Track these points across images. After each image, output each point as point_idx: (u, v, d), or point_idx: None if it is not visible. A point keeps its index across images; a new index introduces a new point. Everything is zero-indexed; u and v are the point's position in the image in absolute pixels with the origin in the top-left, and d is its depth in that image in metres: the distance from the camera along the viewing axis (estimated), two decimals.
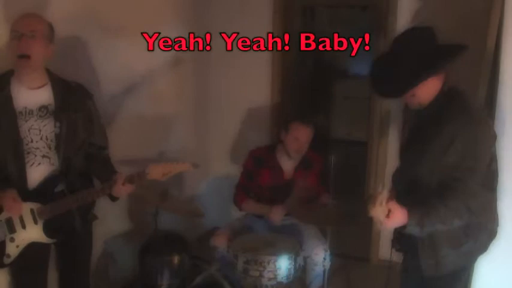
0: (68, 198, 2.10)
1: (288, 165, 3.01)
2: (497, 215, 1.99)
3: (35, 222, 2.07)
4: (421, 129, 1.95)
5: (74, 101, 2.13)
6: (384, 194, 1.76)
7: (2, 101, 1.99)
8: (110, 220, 3.06)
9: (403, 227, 1.77)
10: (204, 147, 3.94)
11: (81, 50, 2.69)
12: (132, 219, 3.27)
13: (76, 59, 2.67)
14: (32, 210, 2.05)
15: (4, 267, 2.09)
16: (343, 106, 7.07)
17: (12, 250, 2.06)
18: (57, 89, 2.09)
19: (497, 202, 1.98)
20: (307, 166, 3.01)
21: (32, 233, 2.07)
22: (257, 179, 3.00)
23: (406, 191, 1.95)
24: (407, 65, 1.84)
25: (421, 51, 1.84)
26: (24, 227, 2.05)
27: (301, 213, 2.66)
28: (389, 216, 1.75)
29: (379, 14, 3.54)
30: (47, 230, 2.09)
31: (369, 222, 3.62)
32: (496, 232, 2.00)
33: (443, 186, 1.79)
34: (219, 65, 3.86)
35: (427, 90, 1.87)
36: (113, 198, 2.22)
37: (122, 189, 2.12)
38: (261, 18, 3.70)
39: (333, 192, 2.60)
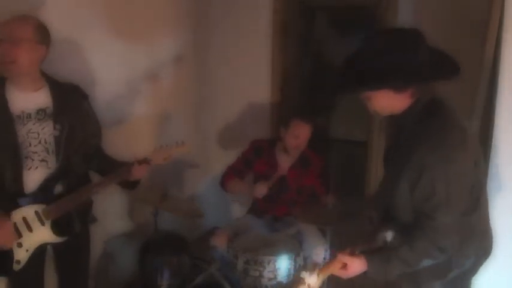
0: (76, 192, 2.09)
1: (284, 161, 3.01)
2: (490, 233, 1.85)
3: (42, 223, 2.04)
4: (398, 146, 1.78)
5: (71, 102, 2.12)
6: (306, 272, 1.65)
7: None
8: (110, 220, 3.06)
9: (365, 273, 1.68)
10: (204, 147, 3.94)
11: (81, 51, 2.69)
12: (132, 219, 3.28)
13: (76, 60, 2.67)
14: (36, 213, 2.02)
15: (14, 274, 2.04)
16: (343, 106, 7.07)
17: (22, 255, 2.02)
18: (54, 91, 2.06)
19: (490, 219, 1.85)
20: (305, 165, 3.01)
21: (40, 235, 2.05)
22: (253, 166, 3.02)
23: (386, 211, 1.84)
24: (365, 65, 1.62)
25: (383, 58, 1.59)
26: (31, 230, 2.02)
27: (301, 213, 2.66)
28: (346, 268, 1.67)
29: (379, 14, 3.54)
30: (56, 229, 2.07)
31: (369, 222, 3.63)
32: (488, 252, 1.85)
33: (414, 222, 1.65)
34: (219, 65, 3.86)
35: (383, 101, 1.67)
36: (131, 185, 2.24)
37: (141, 169, 2.19)
38: (261, 18, 3.70)
39: (333, 192, 2.61)
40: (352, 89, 1.70)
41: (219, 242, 2.80)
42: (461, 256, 1.75)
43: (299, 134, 2.90)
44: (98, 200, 2.89)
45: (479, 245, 1.81)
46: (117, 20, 2.90)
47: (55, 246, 2.18)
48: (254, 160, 3.03)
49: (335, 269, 1.71)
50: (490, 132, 2.28)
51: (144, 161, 2.21)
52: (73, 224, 2.16)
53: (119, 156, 2.35)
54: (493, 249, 1.86)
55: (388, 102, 1.68)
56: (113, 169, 2.20)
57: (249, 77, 3.83)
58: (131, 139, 3.06)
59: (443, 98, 1.71)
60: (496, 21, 2.33)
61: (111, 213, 3.06)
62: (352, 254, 1.72)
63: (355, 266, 1.67)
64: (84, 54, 2.70)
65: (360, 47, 1.67)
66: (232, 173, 3.04)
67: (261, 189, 2.85)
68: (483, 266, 1.86)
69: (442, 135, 1.60)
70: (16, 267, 2.02)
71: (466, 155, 1.63)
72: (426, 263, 1.66)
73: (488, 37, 2.36)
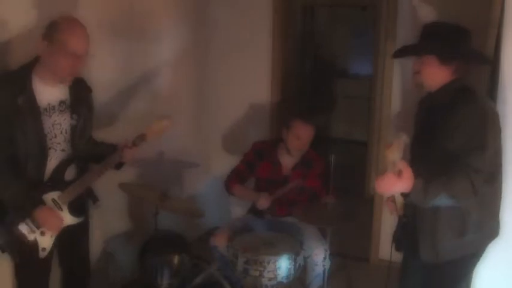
0: (85, 177, 2.21)
1: (287, 162, 3.01)
2: (498, 217, 1.99)
3: (61, 209, 2.14)
4: (430, 122, 1.98)
5: (83, 94, 2.24)
6: (403, 139, 1.71)
7: (25, 98, 2.00)
8: (110, 220, 3.06)
9: (407, 195, 1.75)
10: (204, 147, 3.94)
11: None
12: (132, 219, 3.28)
13: None
14: (54, 200, 2.12)
15: (41, 262, 2.13)
16: (343, 106, 7.08)
17: (47, 242, 2.12)
18: (70, 84, 2.15)
19: (499, 201, 1.97)
20: (307, 166, 3.01)
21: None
22: (255, 170, 3.02)
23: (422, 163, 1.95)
24: (425, 39, 1.96)
25: (443, 36, 1.92)
26: (58, 214, 2.13)
27: (301, 213, 2.66)
28: (399, 176, 1.69)
29: (379, 14, 3.54)
30: (72, 210, 2.18)
31: (369, 222, 3.64)
32: (497, 230, 1.99)
33: (451, 165, 1.79)
34: (219, 65, 3.86)
35: (431, 73, 1.93)
36: (119, 166, 2.33)
37: (131, 152, 2.27)
38: (261, 18, 3.70)
39: (333, 192, 2.61)
40: (408, 52, 2.07)
41: (219, 242, 2.80)
42: (479, 219, 1.89)
43: (301, 136, 2.89)
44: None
45: (493, 220, 1.96)
46: (117, 19, 2.90)
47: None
48: (256, 164, 3.03)
49: (393, 169, 1.72)
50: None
51: (134, 144, 2.28)
52: (84, 204, 2.32)
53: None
54: (498, 234, 1.99)
55: (436, 75, 1.94)
56: (107, 152, 2.29)
57: (249, 77, 3.82)
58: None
59: (473, 87, 1.94)
60: (496, 21, 2.33)
61: (111, 213, 3.06)
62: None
63: (408, 175, 1.70)
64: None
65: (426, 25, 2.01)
66: (236, 177, 3.03)
67: (264, 203, 2.85)
68: (488, 248, 1.98)
69: (476, 103, 1.87)
70: (43, 254, 2.12)
71: (497, 118, 1.88)
72: (460, 197, 1.75)
73: (488, 37, 2.37)
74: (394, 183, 1.70)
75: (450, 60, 1.91)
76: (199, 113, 3.88)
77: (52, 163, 2.12)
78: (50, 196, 2.12)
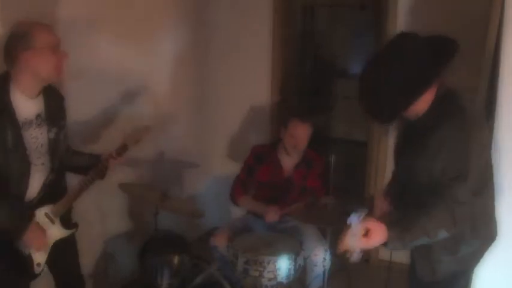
0: (75, 189, 2.19)
1: (287, 162, 3.01)
2: (495, 221, 1.93)
3: (53, 222, 2.14)
4: (414, 134, 1.85)
5: (56, 104, 2.16)
6: (354, 225, 1.65)
7: (5, 112, 1.93)
8: (110, 220, 3.07)
9: (384, 245, 1.68)
10: (204, 147, 3.94)
11: (81, 51, 2.69)
12: (132, 219, 3.28)
13: (76, 60, 2.66)
14: (46, 214, 2.11)
15: (36, 277, 2.13)
16: (343, 106, 7.07)
17: (41, 257, 2.11)
18: (45, 95, 2.08)
19: (496, 207, 1.92)
20: (307, 166, 3.01)
21: (53, 233, 2.15)
22: (256, 175, 3.02)
23: (401, 195, 1.92)
24: (401, 81, 1.67)
25: (412, 63, 1.67)
26: (44, 232, 2.11)
27: (301, 213, 2.66)
28: (368, 235, 1.65)
29: (379, 14, 3.54)
30: (64, 223, 2.18)
31: None
32: (494, 234, 1.95)
33: (431, 194, 1.70)
34: (219, 65, 3.86)
35: (424, 99, 1.72)
36: (103, 175, 2.30)
37: (115, 162, 2.26)
38: (261, 18, 3.70)
39: (333, 192, 2.61)
40: (405, 106, 1.71)
41: (219, 242, 2.80)
42: (471, 233, 1.81)
43: (297, 134, 2.89)
44: (97, 200, 2.90)
45: (487, 228, 1.90)
46: (116, 20, 2.90)
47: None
48: (256, 168, 3.02)
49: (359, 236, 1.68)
50: (491, 132, 2.28)
51: (123, 149, 2.27)
52: (72, 216, 2.28)
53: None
54: (497, 236, 1.93)
55: (428, 96, 1.73)
56: (89, 162, 2.26)
57: (249, 77, 3.82)
58: None
59: (457, 91, 1.79)
60: (496, 21, 2.33)
61: (111, 213, 3.06)
62: (375, 221, 1.71)
63: (378, 231, 1.65)
64: (84, 54, 2.70)
65: (375, 68, 1.74)
66: (240, 185, 3.04)
67: (273, 216, 2.84)
68: (487, 252, 1.92)
69: (461, 113, 1.71)
70: (38, 269, 2.10)
71: (483, 133, 1.76)
72: (442, 234, 1.69)
73: (488, 38, 2.36)
74: (363, 243, 1.67)
75: (430, 86, 1.70)
76: (199, 113, 3.88)
77: (35, 177, 2.06)
78: (43, 211, 2.10)
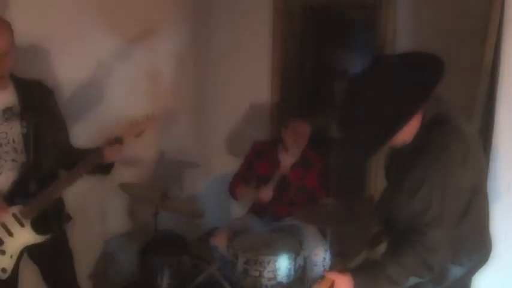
0: (51, 187, 2.02)
1: (286, 160, 3.02)
2: (485, 240, 1.82)
3: (22, 225, 1.99)
4: (399, 163, 1.74)
5: (36, 98, 2.05)
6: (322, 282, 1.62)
7: None
8: (110, 220, 3.07)
9: None
10: (204, 147, 3.94)
11: (81, 50, 2.69)
12: (132, 219, 3.28)
13: (76, 59, 2.67)
14: (14, 215, 1.97)
15: (2, 284, 1.98)
16: None
17: (7, 262, 1.98)
18: (19, 89, 2.01)
19: (487, 225, 1.82)
20: (306, 165, 3.01)
21: (22, 237, 2.00)
22: (255, 168, 3.03)
23: (386, 221, 1.82)
24: (379, 116, 1.55)
25: (389, 96, 1.54)
26: (11, 234, 1.98)
27: (301, 213, 2.66)
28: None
29: (379, 14, 3.54)
30: (36, 228, 2.01)
31: (369, 222, 3.63)
32: (484, 258, 1.84)
33: (403, 238, 1.61)
34: (219, 65, 3.86)
35: (409, 127, 1.59)
36: (106, 170, 2.17)
37: (113, 151, 2.12)
38: (261, 18, 3.70)
39: (333, 193, 2.61)
40: (391, 134, 1.58)
41: (219, 242, 2.80)
42: (454, 265, 1.72)
43: (297, 132, 2.92)
44: (97, 200, 2.91)
45: (473, 252, 1.78)
46: (116, 19, 2.90)
47: (34, 255, 2.12)
48: (255, 162, 3.04)
49: None
50: (490, 134, 2.28)
51: (116, 141, 2.13)
52: (51, 221, 2.09)
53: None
54: (490, 256, 1.85)
55: (415, 122, 1.62)
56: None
57: (249, 77, 3.82)
58: None
59: (449, 112, 1.66)
60: (496, 21, 2.33)
61: (111, 213, 3.06)
62: (340, 271, 1.66)
63: (343, 284, 1.60)
64: (84, 53, 2.70)
65: (355, 96, 1.63)
66: (239, 180, 3.05)
67: (267, 193, 2.86)
68: (480, 272, 1.84)
69: (444, 150, 1.57)
70: (3, 275, 1.97)
71: (466, 173, 1.61)
72: (412, 281, 1.62)
73: (488, 38, 2.36)
74: None
75: (410, 119, 1.57)
76: (199, 113, 3.88)
77: (5, 175, 1.97)
78: (10, 211, 1.95)
